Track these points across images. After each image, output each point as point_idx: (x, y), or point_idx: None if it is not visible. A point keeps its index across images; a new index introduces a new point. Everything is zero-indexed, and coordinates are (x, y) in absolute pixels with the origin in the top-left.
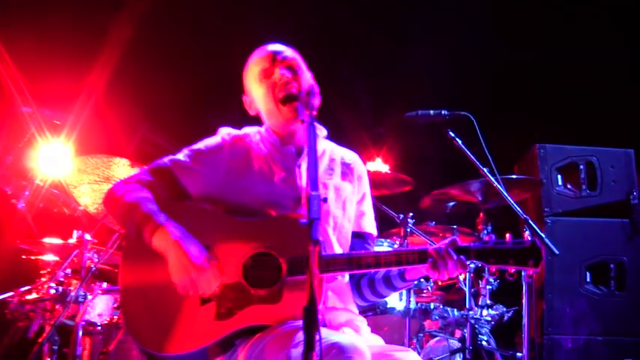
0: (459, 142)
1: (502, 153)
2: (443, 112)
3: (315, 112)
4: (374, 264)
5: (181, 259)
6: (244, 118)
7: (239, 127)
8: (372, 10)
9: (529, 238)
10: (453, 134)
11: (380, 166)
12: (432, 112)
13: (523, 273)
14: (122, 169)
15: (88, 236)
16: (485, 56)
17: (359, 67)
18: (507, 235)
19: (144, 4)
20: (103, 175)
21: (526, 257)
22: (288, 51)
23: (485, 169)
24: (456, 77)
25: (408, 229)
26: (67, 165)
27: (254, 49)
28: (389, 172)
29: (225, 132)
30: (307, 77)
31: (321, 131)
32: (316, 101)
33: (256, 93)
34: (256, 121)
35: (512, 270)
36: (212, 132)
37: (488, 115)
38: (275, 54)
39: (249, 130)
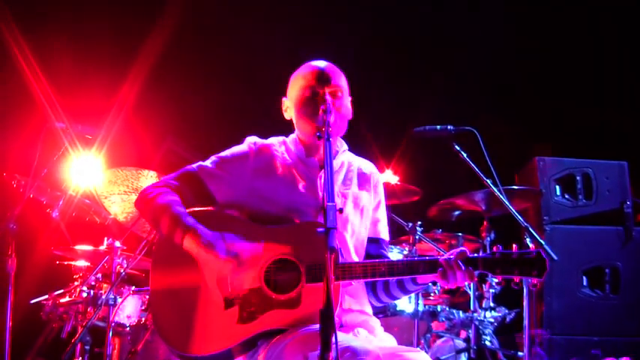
0: (464, 155)
1: (504, 165)
2: (449, 127)
3: (330, 129)
4: (387, 273)
5: (214, 258)
6: (269, 133)
7: (242, 141)
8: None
9: (534, 249)
10: (458, 148)
11: (390, 177)
12: (438, 127)
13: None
14: (150, 180)
15: (117, 243)
16: (491, 76)
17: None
18: (514, 246)
19: (174, 21)
20: (132, 186)
21: (531, 268)
22: (337, 76)
23: (488, 181)
24: (462, 94)
25: (417, 237)
26: (98, 177)
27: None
28: (398, 183)
29: (251, 140)
30: (346, 103)
31: (342, 145)
32: (332, 118)
33: (295, 104)
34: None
35: (518, 280)
36: (233, 144)
37: (491, 130)
38: (325, 75)
39: (274, 140)
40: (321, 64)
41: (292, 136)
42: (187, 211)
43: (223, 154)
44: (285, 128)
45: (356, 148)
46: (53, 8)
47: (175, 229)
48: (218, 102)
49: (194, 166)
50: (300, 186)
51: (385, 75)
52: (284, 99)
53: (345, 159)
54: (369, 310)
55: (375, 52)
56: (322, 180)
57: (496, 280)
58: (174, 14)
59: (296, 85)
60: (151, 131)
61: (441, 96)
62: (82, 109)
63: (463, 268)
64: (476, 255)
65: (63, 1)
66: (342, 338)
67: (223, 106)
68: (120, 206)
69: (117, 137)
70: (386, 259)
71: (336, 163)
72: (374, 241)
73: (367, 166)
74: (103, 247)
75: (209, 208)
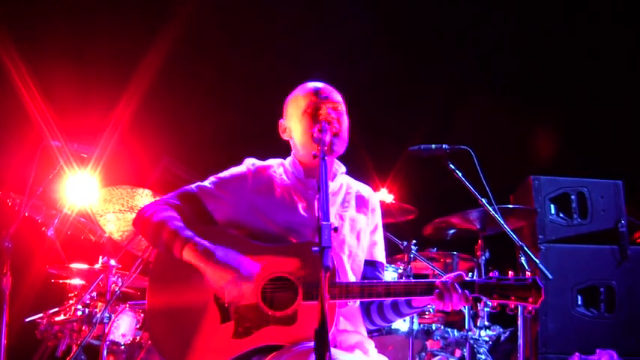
0: (459, 174)
1: (499, 184)
2: (444, 146)
3: (326, 149)
4: (384, 293)
5: (215, 266)
6: (266, 153)
7: (241, 162)
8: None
9: (530, 276)
10: (453, 167)
11: (385, 195)
12: (433, 146)
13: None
14: (145, 199)
15: (112, 262)
16: (487, 93)
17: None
18: (510, 272)
19: (171, 40)
20: (127, 204)
21: (526, 294)
22: (336, 93)
23: (483, 200)
24: (458, 113)
25: (412, 255)
26: (94, 195)
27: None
28: (394, 201)
29: (250, 162)
30: (346, 121)
31: (340, 167)
32: (327, 137)
33: (295, 123)
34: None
35: (513, 305)
36: (229, 163)
37: (485, 149)
38: (325, 91)
39: (272, 161)
40: (318, 83)
41: (290, 158)
42: (187, 227)
43: (222, 174)
44: (281, 150)
45: (351, 167)
46: (50, 27)
47: (174, 241)
48: (214, 121)
49: (193, 186)
50: (299, 207)
51: (380, 94)
52: (281, 121)
53: (344, 181)
54: (364, 331)
55: (371, 70)
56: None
57: (492, 305)
58: (172, 33)
59: (295, 104)
60: (146, 150)
61: (437, 115)
62: (77, 127)
63: (460, 291)
64: (473, 279)
65: (60, 19)
66: (337, 355)
67: (220, 126)
68: (115, 224)
69: (112, 156)
70: (383, 281)
71: (334, 185)
72: (370, 264)
73: (366, 190)
74: (98, 266)
75: (207, 226)
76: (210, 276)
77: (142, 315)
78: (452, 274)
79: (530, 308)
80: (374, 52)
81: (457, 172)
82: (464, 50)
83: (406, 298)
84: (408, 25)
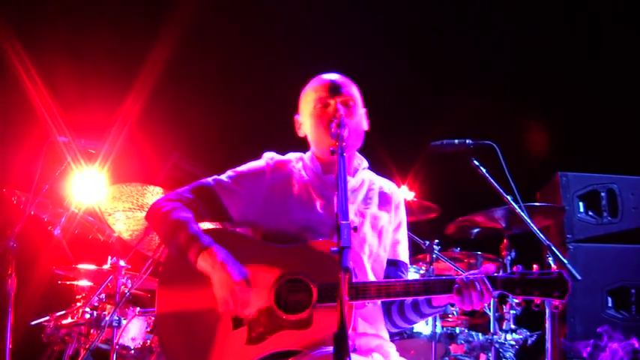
0: (483, 170)
1: (525, 181)
2: (467, 141)
3: (344, 144)
4: (402, 292)
5: (226, 278)
6: (283, 147)
7: (260, 156)
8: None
9: (556, 269)
10: (477, 163)
11: (406, 193)
12: (456, 141)
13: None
14: (156, 197)
15: (122, 262)
16: (509, 87)
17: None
18: (534, 266)
19: (180, 31)
20: (137, 202)
21: (552, 288)
22: (348, 86)
23: (508, 197)
24: (480, 107)
25: (434, 256)
26: (102, 193)
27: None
28: (415, 199)
29: (269, 156)
30: (360, 114)
31: (362, 162)
32: (346, 132)
33: (307, 118)
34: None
35: (538, 301)
36: (245, 159)
37: (511, 144)
38: (335, 86)
39: (292, 156)
40: (331, 75)
41: (309, 152)
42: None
43: (240, 168)
44: (299, 144)
45: (371, 163)
46: (56, 20)
47: (190, 247)
48: (227, 115)
49: (210, 179)
50: (317, 204)
51: (400, 85)
52: (296, 117)
53: (366, 177)
54: (385, 334)
55: (390, 62)
56: None
57: (516, 301)
58: (180, 26)
59: (306, 99)
60: (156, 145)
61: (459, 108)
62: (85, 122)
63: (478, 287)
64: (495, 274)
65: (65, 13)
66: None
67: (233, 120)
68: (124, 223)
69: (121, 152)
70: (401, 279)
71: (355, 181)
72: (393, 264)
73: (389, 186)
74: (106, 267)
75: (219, 227)
76: (223, 286)
77: (153, 318)
78: (474, 271)
79: (556, 303)
80: (393, 45)
81: (481, 168)
82: (486, 42)
83: (426, 297)
84: (428, 18)
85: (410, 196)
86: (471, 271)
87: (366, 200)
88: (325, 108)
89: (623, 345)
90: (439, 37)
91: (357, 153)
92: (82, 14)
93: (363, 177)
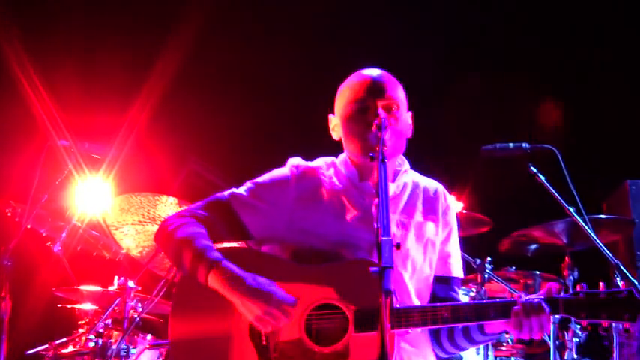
0: (542, 178)
1: (589, 190)
2: (524, 145)
3: (385, 148)
4: (451, 318)
5: (246, 295)
6: (311, 153)
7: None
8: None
9: (625, 288)
10: (534, 170)
11: (453, 204)
12: (511, 145)
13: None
14: (169, 208)
15: (131, 283)
16: (569, 87)
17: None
18: (600, 284)
19: (195, 28)
20: (148, 215)
21: (622, 310)
22: (392, 86)
23: (570, 209)
24: (538, 109)
25: (486, 275)
26: (108, 204)
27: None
28: (464, 211)
29: (294, 163)
30: (404, 119)
31: (404, 164)
32: (387, 135)
33: (343, 121)
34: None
35: (606, 324)
36: (269, 166)
37: (574, 149)
38: (377, 85)
39: (321, 161)
40: (373, 72)
41: (342, 156)
42: (215, 247)
43: (260, 179)
44: (330, 148)
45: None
46: (59, 20)
47: (198, 264)
48: (249, 118)
49: (225, 193)
50: (352, 216)
51: (449, 85)
52: (331, 116)
53: (409, 180)
54: (432, 358)
55: (436, 58)
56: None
57: (579, 326)
58: (194, 25)
59: (343, 98)
60: (169, 151)
61: (514, 110)
62: (88, 125)
63: (547, 311)
64: (556, 296)
65: (69, 11)
66: None
67: (255, 123)
68: (133, 239)
69: (129, 158)
70: (449, 303)
71: (396, 187)
72: (443, 280)
73: (435, 187)
74: (113, 288)
75: (239, 245)
76: (240, 307)
77: (166, 348)
78: (533, 295)
79: (626, 326)
80: (443, 32)
81: (539, 176)
82: (547, 39)
83: (478, 322)
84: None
85: (458, 207)
86: (530, 296)
87: (408, 208)
88: (364, 112)
89: None
90: (490, 33)
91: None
92: (88, 13)
93: (405, 180)
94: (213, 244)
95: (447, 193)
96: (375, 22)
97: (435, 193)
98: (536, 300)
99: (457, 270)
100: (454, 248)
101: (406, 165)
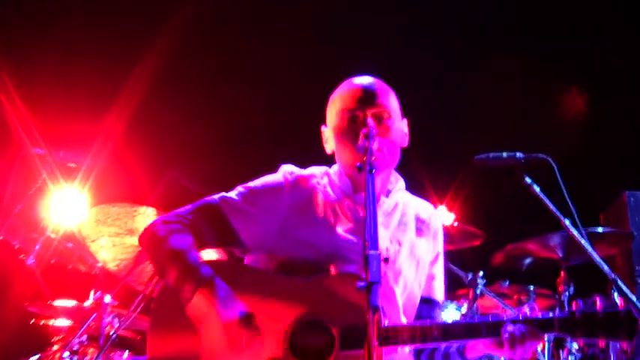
0: (537, 189)
1: (586, 202)
2: (518, 154)
3: (374, 158)
4: (442, 336)
5: (230, 319)
6: (301, 160)
7: (275, 170)
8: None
9: (623, 306)
10: (529, 180)
11: (445, 216)
12: (505, 154)
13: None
14: (148, 219)
15: (107, 298)
16: (566, 96)
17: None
18: (597, 301)
19: (169, 40)
20: (126, 226)
21: (619, 328)
22: (383, 94)
23: (566, 221)
24: (533, 118)
25: (478, 291)
26: (84, 215)
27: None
28: (455, 223)
29: (287, 170)
30: (397, 127)
31: (398, 182)
32: (375, 145)
33: (333, 131)
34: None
35: (602, 344)
36: (253, 173)
37: (570, 159)
38: (367, 94)
39: (315, 170)
40: (364, 80)
41: (336, 166)
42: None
43: (252, 184)
44: (322, 156)
45: (404, 182)
46: (32, 21)
47: (186, 280)
48: (235, 125)
49: (216, 197)
50: (345, 228)
51: (439, 94)
52: (323, 128)
53: (401, 199)
54: None
55: (426, 67)
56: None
57: (576, 347)
58: (177, 26)
59: (333, 108)
60: (148, 159)
61: (507, 119)
62: (64, 133)
63: (539, 335)
64: (551, 314)
65: (43, 16)
66: None
67: (241, 131)
68: (110, 252)
69: (106, 166)
70: (440, 321)
71: (389, 203)
72: (426, 302)
73: (426, 209)
74: (89, 303)
75: (221, 259)
76: (226, 331)
77: None
78: (523, 309)
79: (624, 347)
80: (431, 46)
81: (534, 186)
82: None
83: (469, 340)
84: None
85: (449, 219)
86: (518, 310)
87: (403, 225)
88: (353, 121)
89: None
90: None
91: (393, 170)
92: (63, 19)
93: (397, 199)
94: (202, 260)
95: (437, 216)
96: (354, 34)
97: (428, 213)
98: (525, 327)
99: (440, 294)
100: (440, 271)
101: (401, 183)
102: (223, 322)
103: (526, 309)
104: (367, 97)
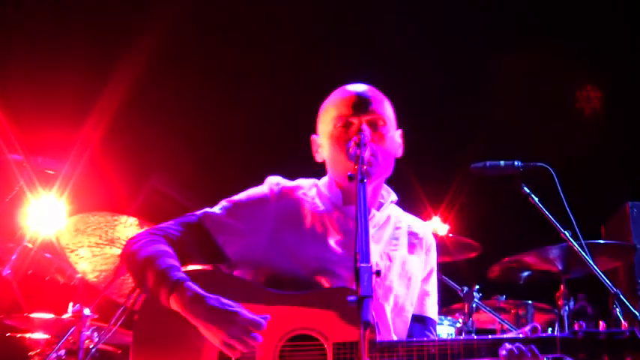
0: (535, 199)
1: (587, 213)
2: (516, 163)
3: (364, 167)
4: (439, 355)
5: (213, 308)
6: (290, 169)
7: (261, 181)
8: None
9: (627, 328)
10: (527, 190)
11: (439, 226)
12: (502, 163)
13: None
14: (129, 229)
15: (86, 310)
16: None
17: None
18: (601, 324)
19: (148, 47)
20: (106, 236)
21: (623, 350)
22: (378, 101)
23: (566, 232)
24: (533, 127)
25: (474, 305)
26: (62, 224)
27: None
28: (450, 235)
29: (273, 181)
30: (391, 136)
31: (390, 195)
32: (367, 153)
33: (326, 139)
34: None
35: None
36: (235, 182)
37: (570, 169)
38: (361, 101)
39: (302, 182)
40: (358, 87)
41: (326, 178)
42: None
43: (237, 197)
44: (312, 166)
45: (394, 190)
46: (10, 26)
47: (160, 286)
48: (221, 133)
49: (199, 212)
50: (334, 241)
51: (434, 101)
52: (313, 137)
53: (393, 213)
54: None
55: (421, 76)
56: None
57: None
58: (151, 35)
59: (326, 116)
60: (129, 167)
61: (502, 127)
62: (42, 138)
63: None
64: (553, 334)
65: (21, 21)
66: None
67: (228, 138)
68: (90, 262)
69: (86, 174)
70: (437, 338)
71: (380, 217)
72: (419, 320)
73: (419, 225)
74: (67, 316)
75: (207, 268)
76: (204, 331)
77: None
78: (525, 328)
79: None
80: (425, 57)
81: (533, 196)
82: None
83: None
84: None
85: (444, 230)
86: (522, 329)
87: (393, 241)
88: (347, 128)
89: None
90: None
91: (384, 184)
92: (42, 24)
93: (389, 213)
94: (179, 264)
95: (430, 232)
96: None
97: (421, 230)
98: (525, 348)
99: (433, 312)
100: (433, 289)
101: (393, 196)
102: (200, 322)
103: (527, 328)
104: (362, 104)
